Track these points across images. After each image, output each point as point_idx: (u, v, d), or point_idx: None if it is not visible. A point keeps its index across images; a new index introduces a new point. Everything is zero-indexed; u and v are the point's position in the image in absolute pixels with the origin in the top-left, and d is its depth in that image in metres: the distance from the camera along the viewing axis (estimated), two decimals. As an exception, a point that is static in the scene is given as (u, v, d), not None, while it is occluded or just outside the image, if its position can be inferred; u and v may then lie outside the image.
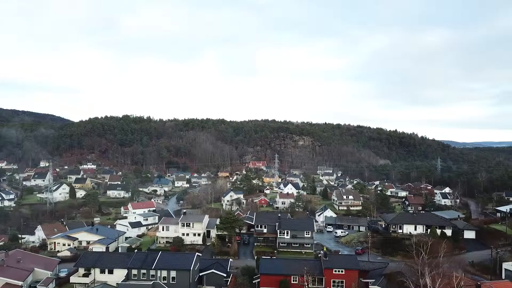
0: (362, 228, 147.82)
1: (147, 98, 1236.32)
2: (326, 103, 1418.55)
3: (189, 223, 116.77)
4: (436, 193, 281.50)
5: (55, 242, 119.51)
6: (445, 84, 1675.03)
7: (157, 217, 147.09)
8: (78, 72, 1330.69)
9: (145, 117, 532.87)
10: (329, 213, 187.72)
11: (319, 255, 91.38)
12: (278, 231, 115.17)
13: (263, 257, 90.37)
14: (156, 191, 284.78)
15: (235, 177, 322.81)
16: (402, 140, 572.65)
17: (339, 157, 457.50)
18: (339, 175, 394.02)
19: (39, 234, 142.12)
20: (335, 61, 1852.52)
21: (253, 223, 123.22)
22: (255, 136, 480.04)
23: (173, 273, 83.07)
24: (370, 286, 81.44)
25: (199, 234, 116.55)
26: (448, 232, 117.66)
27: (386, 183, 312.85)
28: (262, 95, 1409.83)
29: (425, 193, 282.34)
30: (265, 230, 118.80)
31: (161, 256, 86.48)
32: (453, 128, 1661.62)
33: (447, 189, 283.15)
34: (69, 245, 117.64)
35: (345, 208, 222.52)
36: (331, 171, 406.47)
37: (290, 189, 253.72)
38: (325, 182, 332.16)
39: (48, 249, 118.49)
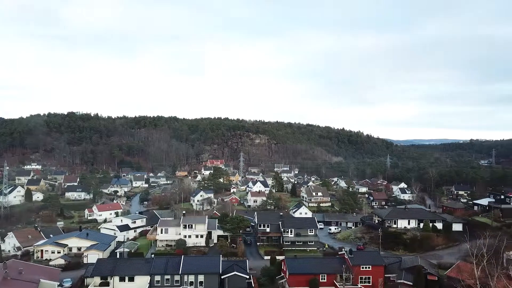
0: (350, 224, 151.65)
1: (93, 94, 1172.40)
2: (276, 102, 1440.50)
3: (191, 225, 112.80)
4: (392, 188, 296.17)
5: (42, 250, 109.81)
6: (378, 85, 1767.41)
7: (145, 219, 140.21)
8: (8, 66, 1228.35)
9: (92, 115, 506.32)
10: (304, 210, 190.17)
11: (339, 253, 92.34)
12: (282, 229, 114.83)
13: (286, 257, 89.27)
14: (117, 191, 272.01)
15: (198, 177, 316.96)
16: (350, 138, 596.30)
17: (294, 155, 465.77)
18: (296, 172, 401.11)
19: (12, 241, 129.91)
20: (281, 61, 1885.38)
21: (255, 223, 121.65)
22: (212, 135, 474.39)
23: (200, 278, 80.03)
24: (397, 281, 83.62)
25: (201, 236, 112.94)
26: (439, 225, 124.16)
27: (347, 180, 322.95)
28: (214, 93, 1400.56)
29: (383, 189, 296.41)
30: (268, 230, 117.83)
31: (185, 260, 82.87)
32: (388, 127, 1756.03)
33: (402, 185, 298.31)
34: (59, 252, 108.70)
35: (315, 204, 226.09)
36: (288, 169, 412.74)
37: (259, 187, 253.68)
38: (285, 179, 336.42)
39: (35, 258, 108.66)
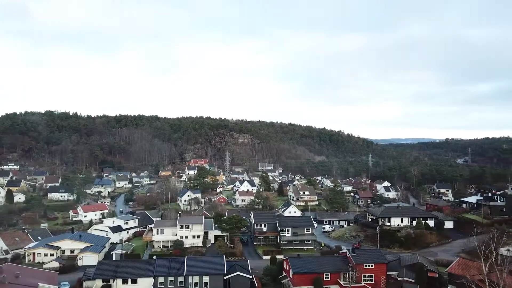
0: (342, 223, 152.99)
1: (70, 93, 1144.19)
2: (258, 101, 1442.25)
3: (188, 225, 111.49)
4: (376, 187, 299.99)
5: (34, 253, 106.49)
6: (357, 85, 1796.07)
7: (137, 220, 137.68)
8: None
9: (71, 113, 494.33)
10: (293, 209, 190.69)
11: (341, 251, 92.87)
12: (279, 229, 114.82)
13: (289, 257, 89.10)
14: (101, 192, 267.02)
15: (183, 176, 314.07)
16: (331, 138, 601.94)
17: (277, 154, 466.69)
18: (280, 171, 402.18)
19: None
20: (262, 61, 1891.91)
21: (251, 222, 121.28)
22: (195, 134, 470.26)
23: (205, 279, 79.19)
24: (398, 278, 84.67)
25: (198, 236, 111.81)
26: (431, 223, 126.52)
27: (331, 179, 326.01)
28: (195, 92, 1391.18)
29: (367, 187, 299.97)
30: (265, 229, 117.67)
31: (189, 261, 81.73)
32: (367, 127, 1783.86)
33: (386, 183, 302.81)
34: (52, 255, 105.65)
35: (302, 203, 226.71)
36: (272, 168, 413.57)
37: (246, 186, 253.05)
38: (270, 178, 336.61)
39: (27, 261, 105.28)
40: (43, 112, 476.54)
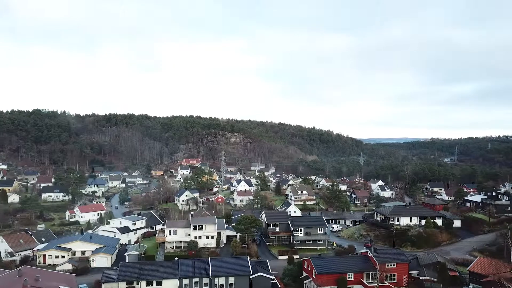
0: (348, 222, 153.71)
1: (58, 91, 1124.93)
2: (247, 100, 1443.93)
3: (202, 226, 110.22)
4: (371, 186, 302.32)
5: (44, 255, 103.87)
6: (344, 85, 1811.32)
7: (144, 221, 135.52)
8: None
9: (59, 112, 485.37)
10: (293, 208, 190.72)
11: (361, 251, 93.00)
12: (292, 229, 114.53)
13: (312, 257, 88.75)
14: (95, 192, 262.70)
15: (178, 176, 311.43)
16: (321, 137, 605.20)
17: (270, 154, 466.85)
18: (273, 171, 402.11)
19: (3, 246, 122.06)
20: (251, 61, 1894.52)
21: (263, 222, 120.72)
22: (186, 133, 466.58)
23: (231, 280, 78.39)
24: (420, 278, 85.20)
25: (212, 237, 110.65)
26: (439, 222, 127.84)
27: (326, 178, 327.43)
28: (184, 91, 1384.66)
29: (361, 187, 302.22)
30: (277, 229, 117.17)
31: (213, 262, 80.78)
32: (353, 126, 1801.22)
33: (380, 182, 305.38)
34: (63, 257, 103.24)
35: (301, 203, 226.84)
36: (264, 167, 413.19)
37: (244, 186, 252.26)
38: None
39: (37, 263, 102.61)
40: (30, 110, 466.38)
